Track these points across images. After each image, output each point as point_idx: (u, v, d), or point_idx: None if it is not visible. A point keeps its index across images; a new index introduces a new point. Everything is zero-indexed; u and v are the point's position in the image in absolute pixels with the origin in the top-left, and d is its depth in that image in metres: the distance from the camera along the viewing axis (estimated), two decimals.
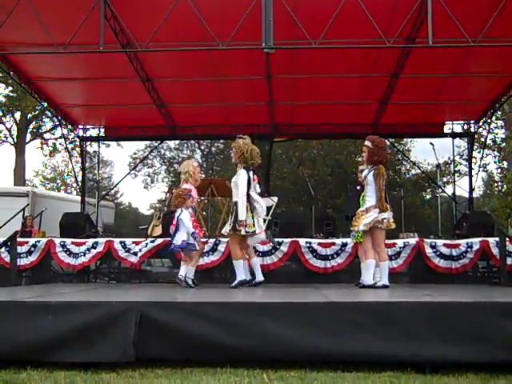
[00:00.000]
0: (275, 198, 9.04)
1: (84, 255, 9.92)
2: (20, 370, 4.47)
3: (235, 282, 7.72)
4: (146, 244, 9.78)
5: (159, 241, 9.83)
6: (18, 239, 9.83)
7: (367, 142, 7.63)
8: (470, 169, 14.75)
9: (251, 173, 7.75)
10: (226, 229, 7.81)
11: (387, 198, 7.48)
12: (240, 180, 7.64)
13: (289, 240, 9.51)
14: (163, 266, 10.24)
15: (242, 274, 7.75)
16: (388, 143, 15.98)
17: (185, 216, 7.88)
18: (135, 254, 9.69)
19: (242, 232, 7.58)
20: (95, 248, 9.94)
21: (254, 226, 7.62)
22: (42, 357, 4.63)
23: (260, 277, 8.03)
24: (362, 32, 8.79)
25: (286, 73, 11.59)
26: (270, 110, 13.44)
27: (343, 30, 8.74)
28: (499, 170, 25.13)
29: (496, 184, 25.66)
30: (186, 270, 8.00)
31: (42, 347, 4.65)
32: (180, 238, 7.85)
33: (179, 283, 7.90)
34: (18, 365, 4.55)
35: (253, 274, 8.13)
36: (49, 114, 22.75)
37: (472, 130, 14.51)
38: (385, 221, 7.32)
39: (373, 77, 11.77)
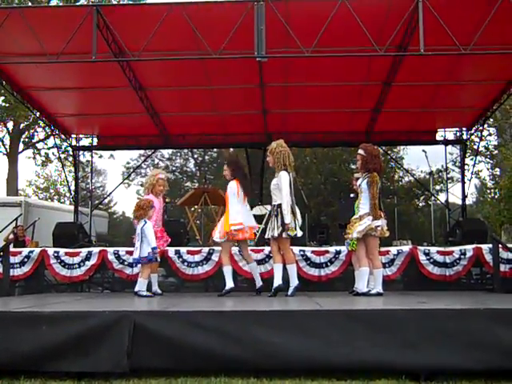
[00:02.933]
0: (268, 207, 9.02)
1: (79, 267, 9.87)
2: (13, 381, 4.44)
3: (292, 290, 7.49)
4: None
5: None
6: (12, 249, 9.79)
7: (360, 151, 7.65)
8: (463, 176, 14.78)
9: (291, 175, 7.57)
10: (274, 233, 7.45)
11: (381, 205, 7.49)
12: (283, 182, 7.41)
13: None
14: (158, 276, 10.22)
15: (296, 279, 7.58)
16: (381, 151, 16.01)
17: (148, 228, 7.85)
18: (130, 265, 9.63)
19: (284, 235, 7.36)
20: (89, 260, 9.88)
21: (295, 229, 7.45)
22: (37, 367, 4.61)
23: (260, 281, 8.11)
24: (354, 40, 8.83)
25: (278, 81, 11.62)
26: (264, 119, 13.46)
27: (335, 38, 8.78)
28: (492, 177, 25.23)
29: (489, 191, 25.73)
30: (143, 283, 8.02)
31: (36, 357, 4.63)
32: (146, 250, 7.84)
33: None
34: (11, 375, 4.52)
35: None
36: (42, 124, 22.68)
37: (464, 137, 14.58)
38: (378, 228, 7.33)
39: (365, 85, 11.80)
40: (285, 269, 7.72)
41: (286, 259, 7.58)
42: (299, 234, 7.57)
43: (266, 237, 7.81)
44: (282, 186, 7.42)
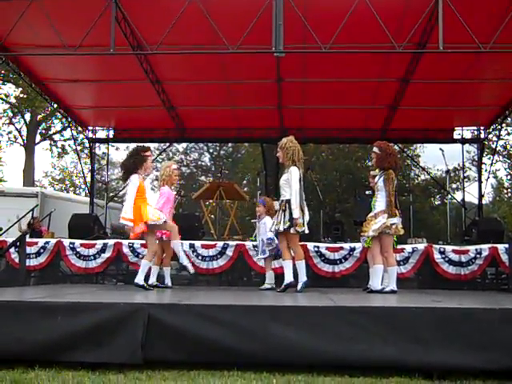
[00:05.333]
0: None
1: (94, 259, 9.95)
2: (28, 370, 4.47)
3: (301, 286, 7.41)
4: None
5: None
6: (28, 240, 9.87)
7: (375, 148, 7.64)
8: (480, 175, 14.69)
9: (300, 171, 7.54)
10: (279, 227, 7.40)
11: (397, 203, 7.46)
12: (293, 178, 7.39)
13: None
14: (171, 269, 10.23)
15: (304, 276, 7.51)
16: (397, 148, 15.95)
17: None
18: None
19: (292, 231, 7.33)
20: (104, 252, 9.96)
21: (303, 225, 7.41)
22: (51, 357, 4.64)
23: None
24: (372, 37, 8.78)
25: (295, 77, 11.60)
26: (280, 114, 13.45)
27: (353, 34, 8.74)
28: (509, 177, 25.05)
29: (506, 190, 25.55)
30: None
31: (50, 347, 4.66)
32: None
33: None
34: (26, 364, 4.55)
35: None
36: (58, 116, 22.85)
37: (482, 136, 14.48)
38: (393, 226, 7.30)
39: (383, 82, 11.76)
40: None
41: (295, 255, 7.55)
42: (306, 230, 7.52)
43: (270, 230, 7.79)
44: (291, 182, 7.38)
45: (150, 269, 7.87)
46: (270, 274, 8.41)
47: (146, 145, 7.91)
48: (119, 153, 36.56)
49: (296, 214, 7.27)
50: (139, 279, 7.46)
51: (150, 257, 7.61)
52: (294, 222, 7.28)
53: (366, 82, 11.67)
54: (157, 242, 7.94)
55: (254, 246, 9.61)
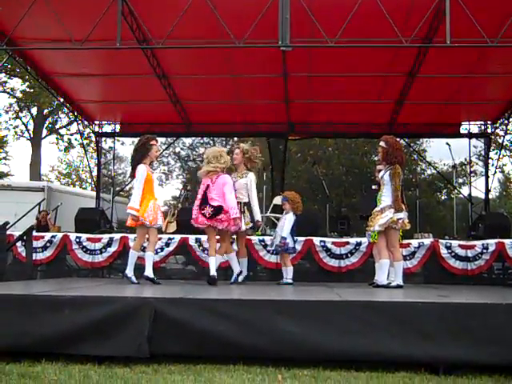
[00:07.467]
0: None
1: (101, 253, 9.96)
2: (35, 363, 4.50)
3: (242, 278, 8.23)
4: (168, 244, 9.78)
5: (177, 239, 9.82)
6: (34, 234, 9.90)
7: (382, 143, 7.60)
8: (487, 170, 14.64)
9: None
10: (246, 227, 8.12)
11: (403, 198, 7.44)
12: (253, 185, 8.09)
13: (303, 238, 9.47)
14: (177, 263, 10.24)
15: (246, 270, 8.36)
16: (404, 143, 15.91)
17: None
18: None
19: (243, 228, 8.06)
20: (111, 246, 9.96)
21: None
22: (58, 350, 4.66)
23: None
24: (379, 31, 8.74)
25: (302, 71, 11.57)
26: (286, 108, 13.42)
27: (360, 28, 8.71)
28: None
29: None
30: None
31: (57, 340, 4.68)
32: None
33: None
34: (33, 358, 4.58)
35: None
36: (65, 110, 22.88)
37: (489, 130, 14.42)
38: (400, 221, 7.28)
39: (389, 76, 11.72)
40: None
41: (241, 253, 8.41)
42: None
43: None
44: (251, 189, 8.07)
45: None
46: (285, 270, 8.37)
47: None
48: (125, 147, 36.60)
49: (258, 216, 8.18)
50: (148, 272, 7.51)
51: (152, 247, 7.83)
52: (256, 222, 8.13)
53: (372, 76, 11.63)
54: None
55: (261, 241, 9.62)
